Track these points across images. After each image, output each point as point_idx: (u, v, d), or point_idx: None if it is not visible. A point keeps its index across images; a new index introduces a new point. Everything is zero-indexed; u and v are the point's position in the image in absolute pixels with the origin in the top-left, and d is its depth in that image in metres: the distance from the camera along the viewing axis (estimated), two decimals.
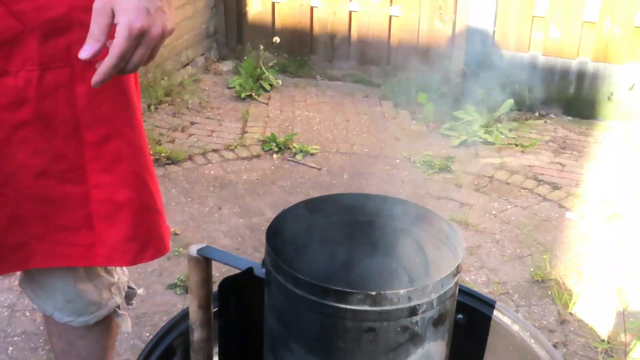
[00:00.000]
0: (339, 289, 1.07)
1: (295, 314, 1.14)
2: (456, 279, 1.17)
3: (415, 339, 1.12)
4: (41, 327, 2.49)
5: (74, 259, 1.48)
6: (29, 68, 1.33)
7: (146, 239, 1.50)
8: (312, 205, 1.29)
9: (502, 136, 4.09)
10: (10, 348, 2.46)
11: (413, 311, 1.10)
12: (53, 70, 1.35)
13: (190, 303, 1.35)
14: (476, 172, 3.79)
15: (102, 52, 1.35)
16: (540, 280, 2.92)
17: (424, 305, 1.11)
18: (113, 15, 1.15)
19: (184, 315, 1.43)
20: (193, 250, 1.31)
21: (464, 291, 1.52)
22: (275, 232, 1.21)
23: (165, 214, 1.59)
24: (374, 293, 1.07)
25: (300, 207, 1.28)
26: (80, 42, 1.36)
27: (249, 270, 1.26)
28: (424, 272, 1.29)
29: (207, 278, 1.33)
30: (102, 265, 1.56)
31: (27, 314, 2.61)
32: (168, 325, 1.44)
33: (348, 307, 1.08)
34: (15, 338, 2.51)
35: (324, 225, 1.30)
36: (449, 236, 1.25)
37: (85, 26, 1.33)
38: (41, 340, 2.48)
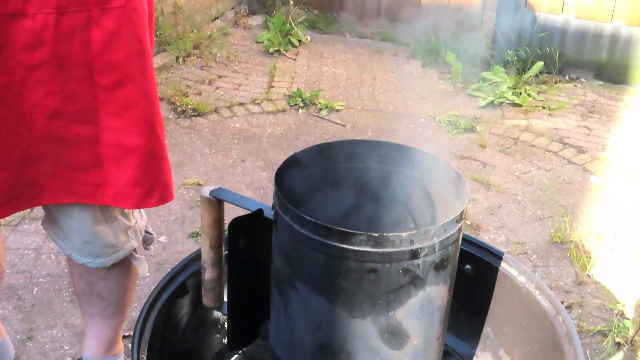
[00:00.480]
0: (342, 229, 1.11)
1: (301, 254, 1.17)
2: (459, 225, 1.19)
3: (416, 281, 1.16)
4: (65, 270, 2.56)
5: (82, 196, 1.52)
6: (46, 11, 1.36)
7: (152, 185, 1.54)
8: (323, 151, 1.32)
9: (530, 98, 4.06)
10: (36, 289, 2.54)
11: (415, 254, 1.13)
12: (70, 14, 1.38)
13: (202, 243, 1.40)
14: (501, 133, 3.77)
15: None
16: (559, 242, 2.93)
17: (426, 249, 1.14)
18: None
19: (197, 255, 1.48)
20: (206, 191, 1.36)
21: (473, 242, 1.55)
22: (285, 175, 1.25)
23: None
24: (376, 235, 1.10)
25: (310, 152, 1.31)
26: None
27: (259, 212, 1.30)
28: (430, 218, 1.32)
29: (219, 219, 1.37)
30: (108, 205, 1.59)
31: (52, 256, 2.68)
32: (181, 264, 1.49)
33: (351, 247, 1.11)
34: (41, 279, 2.58)
35: (333, 170, 1.33)
36: (456, 184, 1.27)
37: None
38: (65, 282, 2.55)
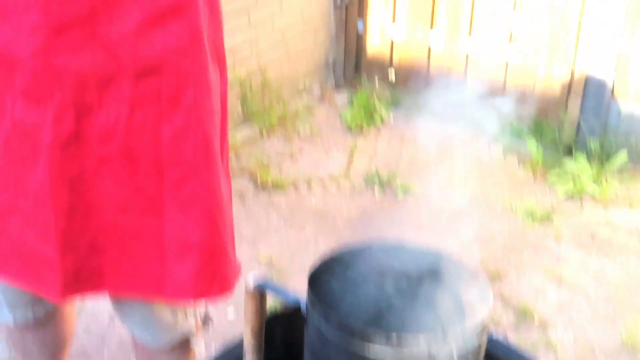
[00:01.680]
0: (363, 328, 1.23)
1: (325, 348, 1.30)
2: (480, 333, 1.29)
3: None
4: None
5: (143, 290, 1.61)
6: (120, 105, 1.48)
7: (212, 278, 1.60)
8: (355, 252, 1.45)
9: (612, 191, 4.05)
10: (106, 353, 2.72)
11: (431, 357, 1.24)
12: (142, 109, 1.49)
13: (244, 330, 1.54)
14: (579, 226, 3.79)
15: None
16: (630, 344, 2.92)
17: (442, 354, 1.24)
18: None
19: (240, 341, 1.62)
20: (249, 281, 1.50)
21: (509, 348, 1.63)
22: (318, 274, 1.38)
23: (234, 254, 1.69)
24: (394, 335, 1.22)
25: (345, 252, 1.44)
26: (171, 84, 1.51)
27: (296, 307, 1.44)
28: (457, 324, 1.42)
29: (261, 309, 1.51)
30: (169, 299, 1.66)
31: None
32: (224, 349, 1.63)
33: (370, 345, 1.23)
34: (112, 345, 2.76)
35: (366, 270, 1.46)
36: (484, 292, 1.38)
37: (177, 70, 1.50)
38: None
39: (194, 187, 1.55)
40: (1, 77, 1.50)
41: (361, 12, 5.07)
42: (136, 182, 1.54)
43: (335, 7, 5.12)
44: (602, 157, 4.24)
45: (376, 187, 4.09)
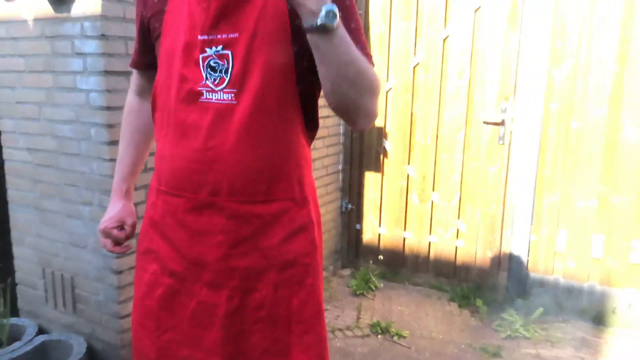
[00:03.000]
0: None
1: None
2: None
3: None
4: None
5: None
6: (268, 287, 1.58)
7: None
8: None
9: (537, 334, 4.07)
10: None
11: None
12: (282, 288, 1.59)
13: None
14: (519, 358, 3.77)
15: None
16: None
17: None
18: None
19: None
20: None
21: None
22: None
23: None
24: None
25: None
26: (299, 273, 1.59)
27: None
28: None
29: None
30: None
31: None
32: None
33: None
34: None
35: None
36: None
37: (303, 264, 1.60)
38: None
39: (311, 338, 1.62)
40: (194, 274, 1.60)
41: (359, 217, 5.29)
42: (275, 335, 1.60)
43: (341, 213, 5.35)
44: (527, 311, 4.28)
45: (379, 333, 4.08)
